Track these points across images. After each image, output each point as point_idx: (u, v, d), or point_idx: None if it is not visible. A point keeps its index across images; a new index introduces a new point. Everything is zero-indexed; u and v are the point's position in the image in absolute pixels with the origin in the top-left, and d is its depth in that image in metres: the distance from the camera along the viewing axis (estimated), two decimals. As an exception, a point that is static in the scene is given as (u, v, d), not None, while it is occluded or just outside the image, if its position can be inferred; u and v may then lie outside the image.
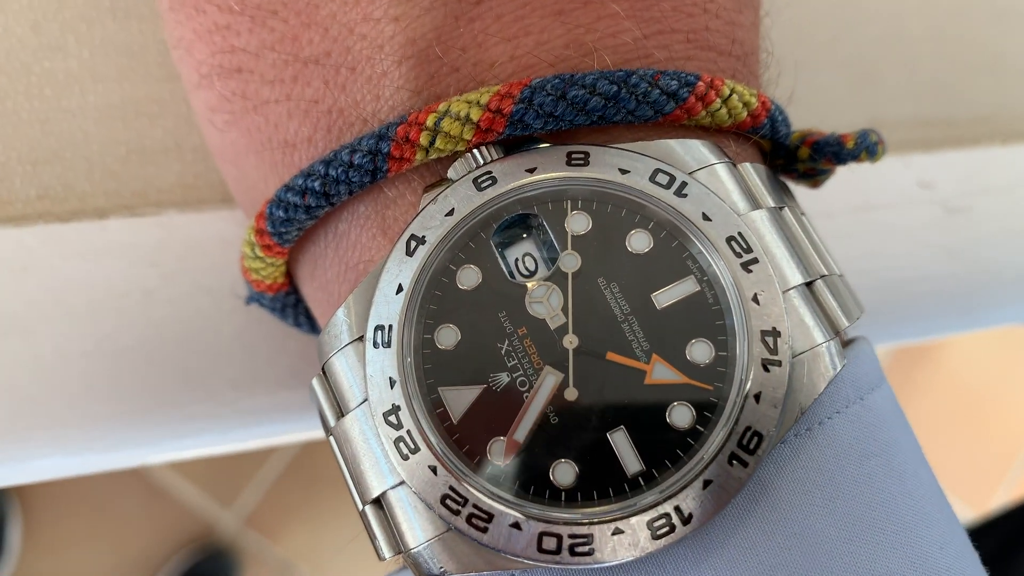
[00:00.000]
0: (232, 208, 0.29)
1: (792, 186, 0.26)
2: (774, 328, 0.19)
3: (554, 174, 0.20)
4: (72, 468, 0.28)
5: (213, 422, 0.28)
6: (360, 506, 0.21)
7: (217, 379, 0.28)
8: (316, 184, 0.20)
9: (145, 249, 0.28)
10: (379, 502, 0.20)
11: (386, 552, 0.20)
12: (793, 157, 0.24)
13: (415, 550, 0.19)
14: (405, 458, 0.19)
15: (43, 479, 0.28)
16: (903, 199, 0.36)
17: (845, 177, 0.31)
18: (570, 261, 0.20)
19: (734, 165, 0.21)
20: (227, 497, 1.25)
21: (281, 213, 0.21)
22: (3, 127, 0.28)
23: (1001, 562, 0.61)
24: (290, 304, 0.25)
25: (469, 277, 0.20)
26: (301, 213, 0.21)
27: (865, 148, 0.23)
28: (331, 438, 0.21)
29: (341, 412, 0.21)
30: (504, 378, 0.19)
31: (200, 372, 0.28)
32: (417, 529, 0.19)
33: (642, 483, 0.19)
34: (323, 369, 0.21)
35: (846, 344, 0.22)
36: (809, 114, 0.34)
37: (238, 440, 0.29)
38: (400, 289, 0.20)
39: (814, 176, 0.25)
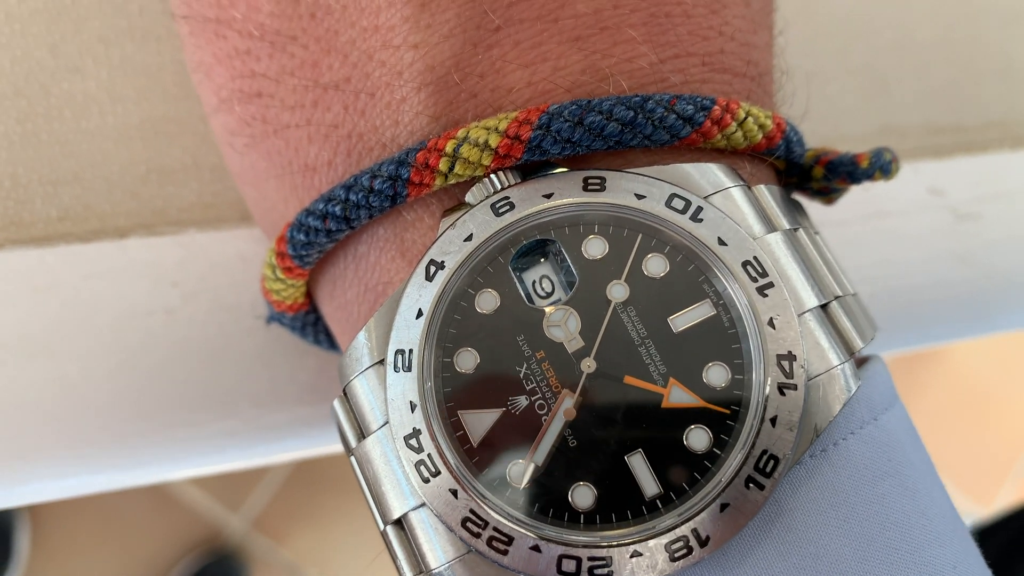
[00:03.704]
0: (251, 226, 0.29)
1: (804, 199, 0.27)
2: (790, 352, 0.19)
3: (571, 199, 0.20)
4: (97, 486, 0.28)
5: (235, 438, 0.28)
6: (381, 526, 0.21)
7: (238, 396, 0.28)
8: (337, 209, 0.20)
9: (165, 268, 0.28)
10: (400, 523, 0.21)
11: (408, 573, 0.21)
12: (807, 176, 0.24)
13: (436, 571, 0.20)
14: (426, 481, 0.19)
15: (69, 496, 0.28)
16: (914, 206, 0.36)
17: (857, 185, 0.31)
18: (619, 291, 0.20)
19: (749, 188, 0.21)
20: (234, 501, 1.25)
21: (302, 237, 0.21)
22: (23, 149, 0.28)
23: (1006, 567, 0.61)
24: (310, 323, 0.25)
25: (488, 301, 0.20)
26: (322, 236, 0.21)
27: (879, 167, 0.23)
28: (352, 458, 0.22)
29: (362, 434, 0.21)
30: (523, 401, 0.20)
31: (221, 389, 0.28)
32: (438, 550, 0.20)
33: (660, 506, 0.19)
34: (344, 391, 0.22)
35: (860, 362, 0.22)
36: (821, 123, 0.34)
37: (259, 456, 0.29)
38: (420, 314, 0.20)
39: (828, 193, 0.25)
